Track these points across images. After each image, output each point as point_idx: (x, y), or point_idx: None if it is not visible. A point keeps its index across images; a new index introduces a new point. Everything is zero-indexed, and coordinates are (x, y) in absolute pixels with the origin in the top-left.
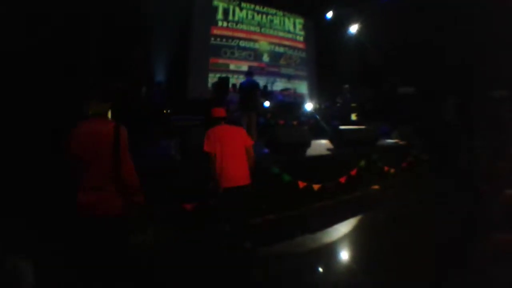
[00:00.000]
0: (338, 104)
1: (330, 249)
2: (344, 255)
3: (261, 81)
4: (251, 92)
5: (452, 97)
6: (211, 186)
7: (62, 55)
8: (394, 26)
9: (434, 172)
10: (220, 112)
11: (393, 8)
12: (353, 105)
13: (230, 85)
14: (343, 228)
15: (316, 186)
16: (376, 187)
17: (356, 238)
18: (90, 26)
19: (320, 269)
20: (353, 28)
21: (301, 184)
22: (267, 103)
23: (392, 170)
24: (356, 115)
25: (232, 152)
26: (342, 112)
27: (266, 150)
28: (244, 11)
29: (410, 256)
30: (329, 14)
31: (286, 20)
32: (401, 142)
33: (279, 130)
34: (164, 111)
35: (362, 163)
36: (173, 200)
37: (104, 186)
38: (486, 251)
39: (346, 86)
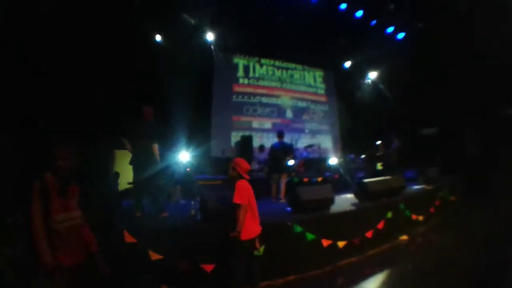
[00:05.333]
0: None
1: None
2: None
3: (285, 138)
4: (284, 155)
5: (469, 129)
6: (234, 234)
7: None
8: (410, 66)
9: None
10: (247, 166)
11: (407, 48)
12: (378, 154)
13: (258, 146)
14: (370, 285)
15: (341, 243)
16: (404, 237)
17: None
18: (103, 85)
19: None
20: (372, 75)
21: (325, 242)
22: (291, 162)
23: (421, 218)
24: (382, 165)
25: (255, 207)
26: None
27: (289, 209)
28: (264, 67)
29: None
30: (347, 64)
31: (306, 74)
32: (428, 187)
33: (301, 189)
34: (187, 169)
35: (389, 214)
36: (191, 260)
37: None
38: None
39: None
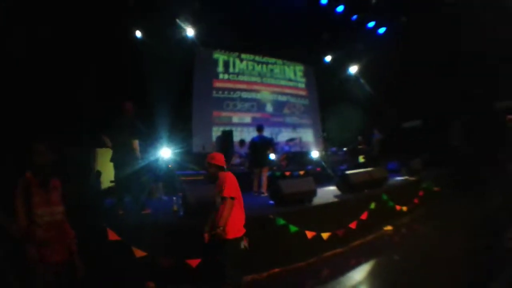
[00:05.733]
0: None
1: None
2: None
3: (265, 132)
4: (264, 148)
5: (457, 121)
6: (218, 231)
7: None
8: (392, 59)
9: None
10: (222, 157)
11: (389, 41)
12: (359, 147)
13: (238, 141)
14: (357, 275)
15: (325, 235)
16: (389, 228)
17: (371, 285)
18: (85, 79)
19: None
20: (353, 69)
21: (309, 234)
22: (272, 156)
23: (405, 208)
24: (364, 157)
25: (241, 201)
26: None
27: (272, 202)
28: (245, 62)
29: None
30: (328, 58)
31: (286, 68)
32: (411, 178)
33: (282, 182)
34: (169, 166)
35: (373, 205)
36: (176, 256)
37: None
38: None
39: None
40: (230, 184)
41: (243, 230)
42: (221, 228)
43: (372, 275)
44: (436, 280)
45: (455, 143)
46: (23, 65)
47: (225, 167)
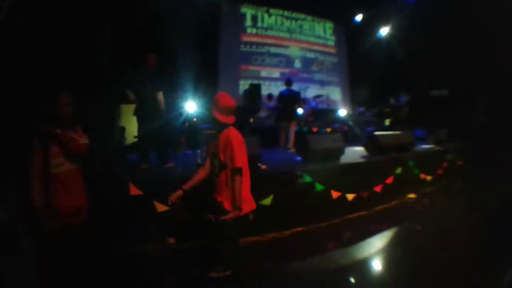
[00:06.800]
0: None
1: (362, 266)
2: (377, 272)
3: (293, 87)
4: (292, 102)
5: (482, 100)
6: (234, 214)
7: (70, 58)
8: (424, 26)
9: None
10: (229, 101)
11: (422, 7)
12: (387, 110)
13: (267, 95)
14: (378, 242)
15: (350, 196)
16: (412, 195)
17: (391, 253)
18: (105, 30)
19: None
20: (384, 31)
21: (335, 194)
22: (300, 110)
23: (429, 178)
24: (390, 121)
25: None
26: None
27: (298, 158)
28: (273, 17)
29: (447, 271)
30: (358, 17)
31: (316, 25)
32: (437, 147)
33: (311, 137)
34: (193, 119)
35: (398, 170)
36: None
37: None
38: None
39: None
40: (240, 147)
41: (254, 203)
42: (238, 207)
43: (392, 243)
44: (455, 256)
45: (480, 120)
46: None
47: (229, 122)
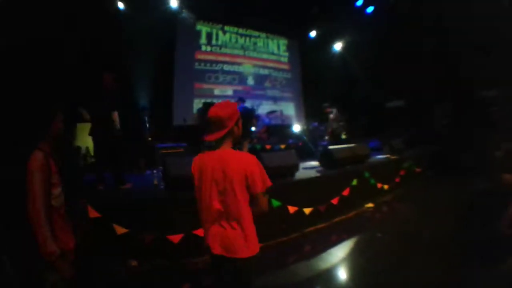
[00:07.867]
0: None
1: (327, 277)
2: (343, 282)
3: (246, 104)
4: (245, 120)
5: (439, 107)
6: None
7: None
8: (377, 39)
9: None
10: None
11: (376, 21)
12: (341, 123)
13: None
14: (339, 252)
15: (307, 210)
16: (370, 205)
17: (353, 261)
18: (65, 51)
19: None
20: (337, 46)
21: (292, 209)
22: (253, 128)
23: (386, 186)
24: (345, 134)
25: None
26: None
27: None
28: (228, 35)
29: (412, 274)
30: (313, 34)
31: (270, 42)
32: (393, 157)
33: (264, 155)
34: (149, 138)
35: (354, 182)
36: (157, 231)
37: None
38: None
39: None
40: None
41: None
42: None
43: (354, 252)
44: (417, 259)
45: (439, 126)
46: None
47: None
